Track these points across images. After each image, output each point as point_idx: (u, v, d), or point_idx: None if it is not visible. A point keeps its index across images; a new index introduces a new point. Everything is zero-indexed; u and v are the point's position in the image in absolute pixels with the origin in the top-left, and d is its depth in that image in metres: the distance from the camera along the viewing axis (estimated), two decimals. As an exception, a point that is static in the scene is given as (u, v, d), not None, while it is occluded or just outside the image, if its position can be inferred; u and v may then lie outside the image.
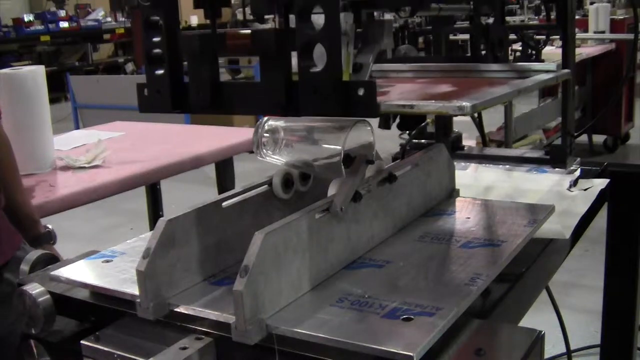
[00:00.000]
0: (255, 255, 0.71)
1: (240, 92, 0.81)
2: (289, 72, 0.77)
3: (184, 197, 3.37)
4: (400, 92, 0.98)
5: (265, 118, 0.95)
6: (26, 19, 9.74)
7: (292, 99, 0.76)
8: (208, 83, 0.81)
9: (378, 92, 0.74)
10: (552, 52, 2.01)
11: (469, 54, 1.23)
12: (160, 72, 0.81)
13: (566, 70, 1.13)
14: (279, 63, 0.76)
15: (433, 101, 0.79)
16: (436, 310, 0.73)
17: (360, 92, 0.73)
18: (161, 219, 0.80)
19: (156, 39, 0.81)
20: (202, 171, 2.47)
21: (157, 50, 0.82)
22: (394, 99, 0.81)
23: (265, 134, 0.94)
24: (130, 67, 10.57)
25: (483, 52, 1.17)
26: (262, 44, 0.76)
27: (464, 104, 0.77)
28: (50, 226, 1.57)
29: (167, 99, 0.82)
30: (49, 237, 1.55)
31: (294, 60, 0.75)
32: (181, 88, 0.82)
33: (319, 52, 0.73)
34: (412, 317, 0.72)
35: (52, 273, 0.89)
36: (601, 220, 1.32)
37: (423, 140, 1.60)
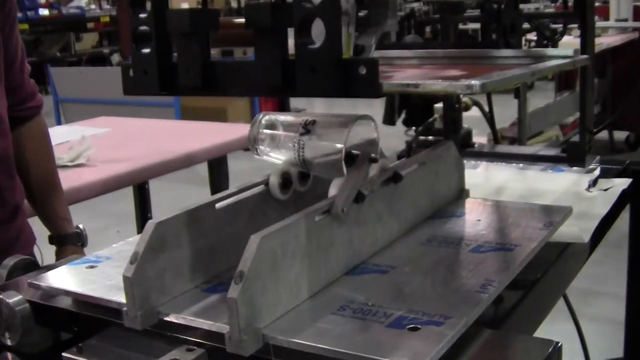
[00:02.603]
0: (251, 260, 0.71)
1: (233, 72, 0.81)
2: (286, 50, 0.77)
3: (174, 198, 3.37)
4: (405, 76, 0.98)
5: (262, 113, 0.96)
6: (3, 6, 9.71)
7: (289, 78, 0.76)
8: (199, 62, 0.80)
9: (382, 76, 0.74)
10: (570, 42, 2.01)
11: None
12: (147, 50, 0.81)
13: (584, 56, 1.13)
14: (275, 39, 0.76)
15: (440, 80, 0.79)
16: (445, 320, 0.73)
17: (362, 70, 0.73)
18: (150, 221, 0.80)
19: (143, 15, 0.80)
20: (194, 170, 2.47)
21: (143, 28, 0.81)
22: (397, 80, 0.81)
23: (262, 130, 0.94)
24: (116, 58, 10.56)
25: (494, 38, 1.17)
26: (256, 18, 0.75)
27: (472, 82, 0.77)
28: (81, 226, 1.51)
29: (155, 79, 0.82)
30: (78, 238, 1.49)
31: (291, 42, 0.75)
32: (170, 68, 0.82)
33: (318, 31, 0.73)
34: (419, 326, 0.72)
35: (32, 280, 0.89)
36: (623, 222, 1.33)
37: (430, 137, 1.60)
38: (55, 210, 1.49)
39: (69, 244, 1.48)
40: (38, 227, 1.48)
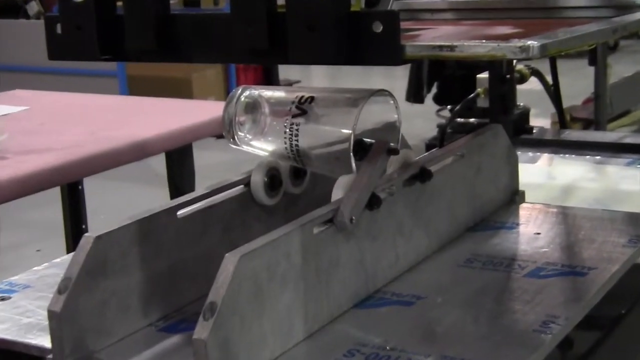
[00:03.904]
0: (226, 288, 0.71)
1: (201, 29, 0.82)
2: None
3: (119, 202, 3.37)
4: (436, 35, 0.99)
5: (241, 87, 0.96)
6: None
7: (278, 38, 0.77)
8: (153, 15, 0.81)
9: (404, 35, 0.75)
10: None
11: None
12: (82, -3, 0.82)
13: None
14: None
15: (484, 41, 0.80)
16: (491, 370, 0.74)
17: (377, 27, 0.73)
18: (86, 235, 0.81)
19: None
20: (147, 165, 2.47)
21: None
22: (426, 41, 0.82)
23: (242, 110, 0.95)
24: (34, 7, 10.51)
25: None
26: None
27: (529, 42, 0.77)
28: None
29: (92, 38, 0.82)
30: None
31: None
32: (113, 23, 0.83)
33: None
34: (456, 379, 0.72)
35: None
36: None
37: (471, 120, 1.61)
38: None
39: None
40: None
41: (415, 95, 3.45)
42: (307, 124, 0.91)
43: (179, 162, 2.34)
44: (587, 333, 0.88)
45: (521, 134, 1.62)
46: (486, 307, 0.87)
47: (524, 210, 1.15)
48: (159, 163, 2.42)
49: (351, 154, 0.88)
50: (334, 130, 0.90)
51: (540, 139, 1.60)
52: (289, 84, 5.61)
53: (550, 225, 1.10)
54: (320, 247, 0.83)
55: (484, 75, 1.69)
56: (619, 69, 4.66)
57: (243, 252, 0.74)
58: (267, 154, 0.96)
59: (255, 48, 0.78)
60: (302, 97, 0.92)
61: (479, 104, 1.65)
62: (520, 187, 1.18)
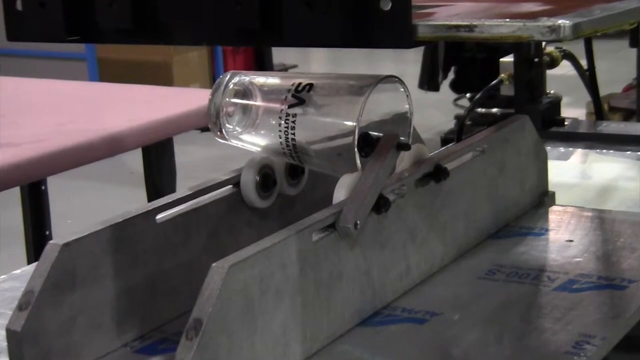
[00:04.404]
0: (213, 303, 0.72)
1: (184, 7, 0.82)
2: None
3: (88, 205, 3.37)
4: (454, 13, 0.99)
5: (230, 72, 0.96)
6: None
7: (271, 16, 0.77)
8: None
9: (417, 13, 0.75)
10: None
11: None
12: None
13: None
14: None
15: (508, 19, 0.80)
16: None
17: (385, 4, 0.74)
18: (52, 242, 0.81)
19: None
20: (120, 162, 2.47)
21: None
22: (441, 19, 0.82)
23: (230, 99, 0.95)
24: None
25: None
26: None
27: (560, 21, 0.77)
28: None
29: (58, 16, 0.82)
30: None
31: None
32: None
33: None
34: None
35: None
36: None
37: (494, 109, 1.61)
38: None
39: None
40: None
41: (429, 82, 3.43)
42: (305, 115, 0.91)
43: (157, 158, 2.34)
44: (626, 355, 0.88)
45: (551, 127, 1.63)
46: (511, 326, 0.87)
47: (554, 214, 1.15)
48: (134, 160, 2.43)
49: (355, 149, 0.88)
50: (336, 122, 0.91)
51: (574, 132, 1.60)
52: (285, 68, 5.61)
53: (584, 231, 1.10)
54: (320, 257, 0.83)
55: (509, 58, 1.70)
56: (665, 51, 4.65)
57: (232, 261, 0.74)
58: (259, 149, 0.97)
59: (245, 28, 0.78)
60: (300, 84, 0.92)
61: (502, 91, 1.66)
62: (550, 188, 1.19)
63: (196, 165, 3.29)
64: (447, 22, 0.79)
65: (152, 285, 0.88)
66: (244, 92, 0.95)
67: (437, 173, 0.97)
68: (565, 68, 1.75)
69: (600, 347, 0.83)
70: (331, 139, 0.91)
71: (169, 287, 0.90)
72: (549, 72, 1.70)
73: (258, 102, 0.94)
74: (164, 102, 2.25)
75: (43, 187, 2.60)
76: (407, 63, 4.64)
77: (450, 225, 1.01)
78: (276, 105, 0.92)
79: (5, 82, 2.60)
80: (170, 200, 0.91)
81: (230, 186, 0.97)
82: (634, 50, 3.79)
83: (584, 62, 1.82)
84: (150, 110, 2.15)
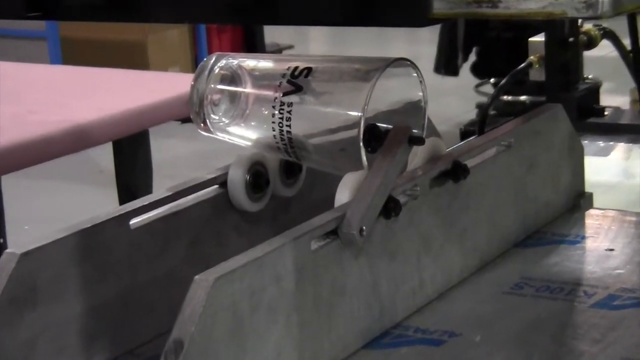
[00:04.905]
0: (196, 322, 0.72)
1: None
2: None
3: (50, 209, 3.37)
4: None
5: (215, 54, 0.96)
6: None
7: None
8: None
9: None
10: None
11: None
12: None
13: None
14: None
15: None
16: None
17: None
18: (8, 251, 0.81)
19: None
20: (88, 158, 2.47)
21: None
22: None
23: (216, 86, 0.95)
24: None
25: None
26: None
27: None
28: None
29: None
30: None
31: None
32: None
33: None
34: None
35: None
36: None
37: (522, 97, 1.61)
38: None
39: None
40: None
41: (446, 65, 3.43)
42: (302, 104, 0.92)
43: (130, 154, 2.34)
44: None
45: (589, 117, 1.63)
46: (541, 348, 0.87)
47: (592, 219, 1.15)
48: (104, 156, 2.43)
49: (361, 143, 0.88)
50: (339, 112, 0.91)
51: (615, 124, 1.61)
52: (279, 50, 5.62)
53: (627, 238, 1.10)
54: (319, 268, 0.83)
55: (539, 38, 1.69)
56: None
57: (218, 273, 0.74)
58: (249, 143, 0.97)
59: (235, 3, 0.78)
60: (296, 68, 0.93)
61: (531, 76, 1.66)
62: (588, 188, 1.19)
63: (176, 162, 3.29)
64: None
65: (124, 301, 0.89)
66: (232, 77, 0.95)
67: (456, 171, 0.97)
68: (605, 49, 1.75)
69: (645, 374, 0.83)
70: (333, 132, 0.91)
71: (144, 304, 0.90)
72: (586, 53, 1.70)
73: (248, 89, 0.94)
74: (137, 89, 2.25)
75: (-2, 188, 2.60)
76: (422, 43, 4.63)
77: (471, 231, 1.01)
78: (269, 93, 0.92)
79: (-46, 66, 2.60)
80: (145, 203, 0.91)
81: (216, 186, 0.97)
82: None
83: (627, 42, 1.82)
84: (122, 98, 2.15)
